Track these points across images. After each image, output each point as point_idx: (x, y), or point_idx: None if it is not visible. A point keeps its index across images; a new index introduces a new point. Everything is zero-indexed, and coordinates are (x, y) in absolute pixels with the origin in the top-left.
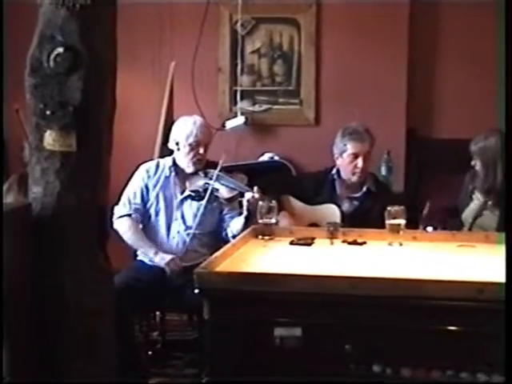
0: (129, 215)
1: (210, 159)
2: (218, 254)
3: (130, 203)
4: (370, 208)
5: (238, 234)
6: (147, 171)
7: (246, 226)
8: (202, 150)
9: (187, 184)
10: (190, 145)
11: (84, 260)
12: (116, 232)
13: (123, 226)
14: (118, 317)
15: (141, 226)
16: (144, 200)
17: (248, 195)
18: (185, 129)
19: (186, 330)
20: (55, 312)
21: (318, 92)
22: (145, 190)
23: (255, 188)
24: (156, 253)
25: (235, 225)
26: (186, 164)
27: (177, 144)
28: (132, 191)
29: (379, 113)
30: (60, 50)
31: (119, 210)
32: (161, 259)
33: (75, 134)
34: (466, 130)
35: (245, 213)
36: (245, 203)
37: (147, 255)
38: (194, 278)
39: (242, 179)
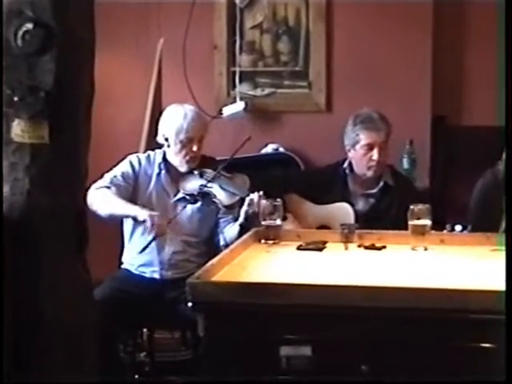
0: (107, 187)
1: (206, 150)
2: (214, 261)
3: (110, 179)
4: (389, 206)
5: (232, 243)
6: (138, 159)
7: (240, 235)
8: (195, 147)
9: (180, 185)
10: (180, 142)
11: (59, 269)
12: (96, 229)
13: (97, 196)
14: (99, 334)
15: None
16: (127, 182)
17: (249, 198)
18: (174, 123)
19: (179, 349)
20: (28, 328)
21: (330, 73)
22: (131, 173)
23: (260, 193)
24: (142, 207)
25: (229, 232)
26: (179, 162)
27: (166, 140)
28: (115, 172)
29: (401, 97)
30: (29, 26)
31: (96, 184)
32: (145, 212)
33: (47, 124)
34: (500, 117)
35: (240, 219)
36: (243, 208)
37: (131, 214)
38: (186, 290)
39: (243, 182)
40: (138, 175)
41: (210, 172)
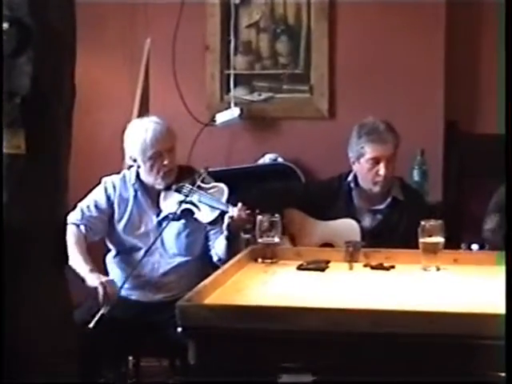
0: (76, 225)
1: (197, 162)
2: (206, 281)
3: (82, 213)
4: (398, 222)
5: (224, 257)
6: (113, 184)
7: (231, 248)
8: (166, 161)
9: (161, 203)
10: (149, 159)
11: (36, 289)
12: None
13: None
14: (80, 362)
15: (96, 238)
16: (102, 214)
17: (231, 212)
18: (137, 140)
19: (167, 378)
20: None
21: (333, 76)
22: (105, 202)
23: (239, 205)
24: (91, 271)
25: (219, 247)
26: (153, 181)
27: (134, 161)
28: (88, 202)
29: (411, 103)
30: (4, 25)
31: (70, 216)
32: (95, 278)
33: (24, 132)
34: None
35: (225, 233)
36: (226, 221)
37: (81, 274)
38: (176, 314)
39: (220, 192)
40: (113, 201)
41: (186, 186)
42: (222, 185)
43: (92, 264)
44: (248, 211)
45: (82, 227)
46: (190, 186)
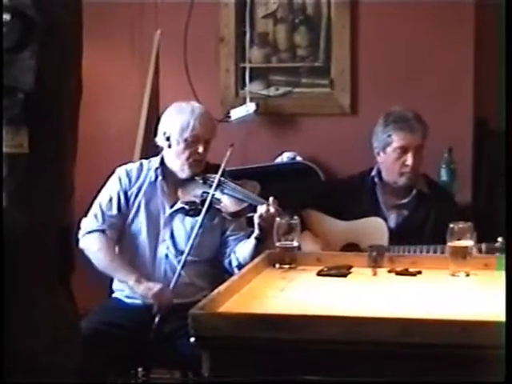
0: (101, 231)
1: (211, 160)
2: (221, 288)
3: (103, 215)
4: (425, 218)
5: (246, 263)
6: (127, 174)
7: (257, 251)
8: (201, 149)
9: (179, 193)
10: (185, 141)
11: (40, 299)
12: (82, 253)
13: (93, 245)
14: (86, 375)
15: (117, 246)
16: (122, 210)
17: (261, 209)
18: (179, 119)
19: None
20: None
21: (355, 70)
22: (123, 196)
23: (271, 199)
24: (138, 280)
25: (242, 250)
26: (180, 166)
27: (167, 139)
28: (106, 199)
29: (438, 99)
30: (6, 17)
31: (88, 223)
32: (146, 289)
33: (27, 130)
34: None
35: (256, 232)
36: (256, 219)
37: (126, 284)
38: (188, 322)
39: (253, 188)
40: (127, 189)
41: (214, 177)
42: (253, 181)
43: (135, 271)
44: (278, 206)
45: (108, 232)
46: (219, 177)
